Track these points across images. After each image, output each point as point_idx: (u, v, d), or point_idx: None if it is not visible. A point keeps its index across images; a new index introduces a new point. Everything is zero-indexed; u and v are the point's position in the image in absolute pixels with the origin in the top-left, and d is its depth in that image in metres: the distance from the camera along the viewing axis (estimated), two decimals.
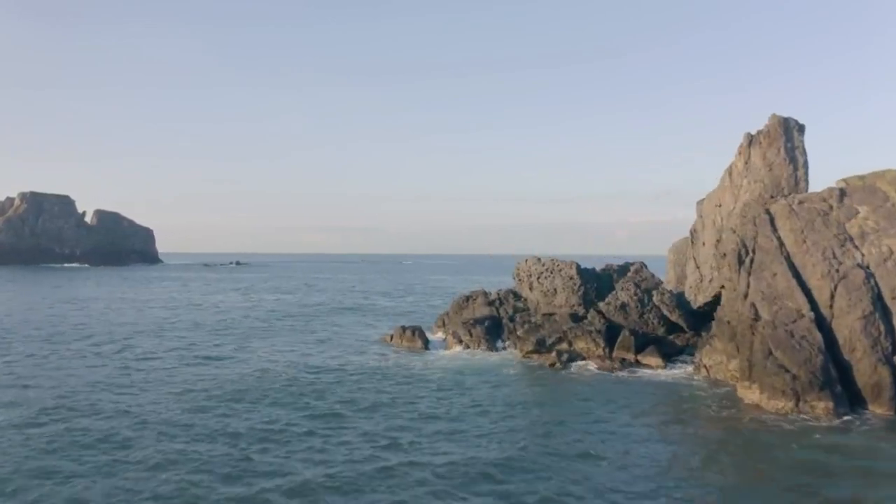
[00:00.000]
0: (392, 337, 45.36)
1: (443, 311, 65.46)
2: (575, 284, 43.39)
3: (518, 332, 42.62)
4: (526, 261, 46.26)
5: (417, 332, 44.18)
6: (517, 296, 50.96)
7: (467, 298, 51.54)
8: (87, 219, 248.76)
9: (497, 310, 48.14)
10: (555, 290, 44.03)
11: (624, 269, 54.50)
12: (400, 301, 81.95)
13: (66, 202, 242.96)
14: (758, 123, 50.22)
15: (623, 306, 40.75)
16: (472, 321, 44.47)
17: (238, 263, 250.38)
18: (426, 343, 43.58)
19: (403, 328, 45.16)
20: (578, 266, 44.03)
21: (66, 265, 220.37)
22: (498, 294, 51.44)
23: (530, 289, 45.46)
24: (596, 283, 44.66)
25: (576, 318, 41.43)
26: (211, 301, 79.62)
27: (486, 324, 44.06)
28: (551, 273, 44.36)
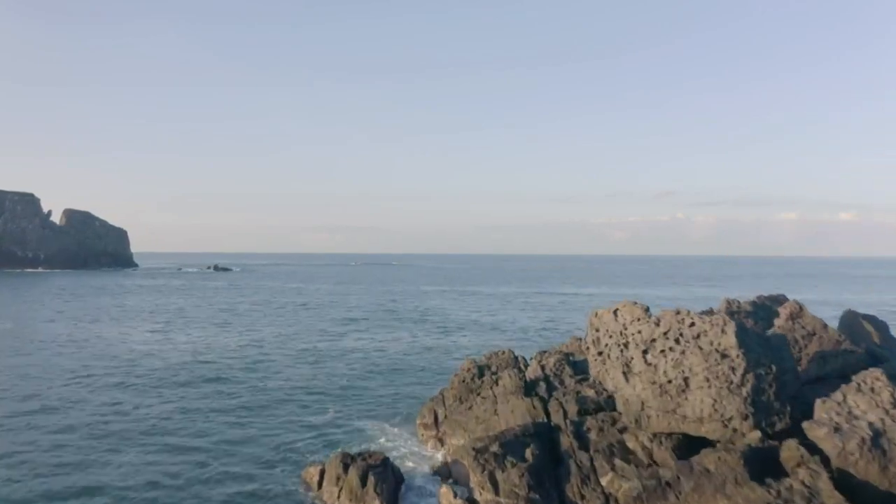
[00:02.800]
0: (323, 477, 20.81)
1: (437, 373, 41.12)
2: (735, 370, 18.67)
3: (611, 487, 18.03)
4: (615, 311, 21.07)
5: (376, 475, 19.59)
6: (576, 366, 26.43)
7: (481, 372, 26.83)
8: (56, 219, 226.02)
9: (544, 407, 23.39)
10: (685, 379, 19.31)
11: (764, 312, 29.82)
12: (374, 342, 56.73)
13: (29, 200, 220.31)
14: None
15: (877, 436, 16.10)
16: (496, 446, 19.80)
17: (216, 268, 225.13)
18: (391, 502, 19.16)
19: (346, 462, 20.50)
20: (741, 328, 19.20)
21: (27, 270, 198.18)
22: (541, 365, 26.59)
23: (625, 373, 20.57)
24: (772, 360, 19.84)
25: (755, 457, 16.87)
26: (99, 343, 55.25)
27: (526, 452, 19.47)
28: (677, 342, 19.56)
